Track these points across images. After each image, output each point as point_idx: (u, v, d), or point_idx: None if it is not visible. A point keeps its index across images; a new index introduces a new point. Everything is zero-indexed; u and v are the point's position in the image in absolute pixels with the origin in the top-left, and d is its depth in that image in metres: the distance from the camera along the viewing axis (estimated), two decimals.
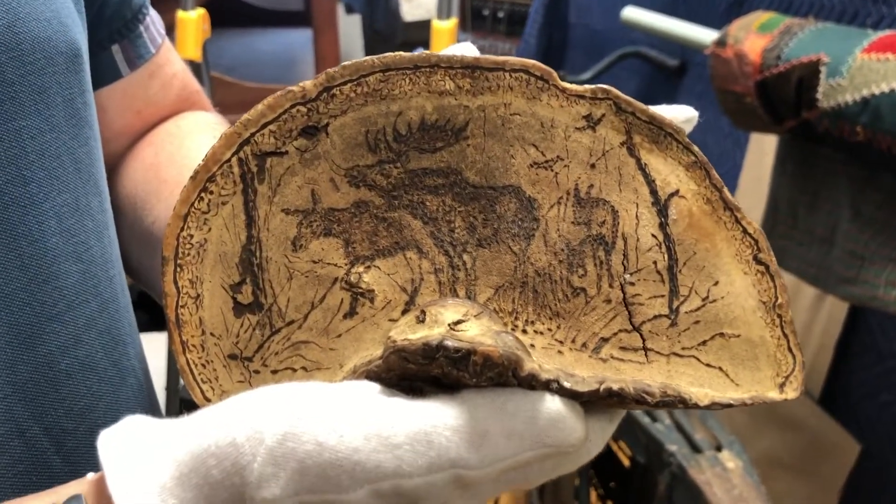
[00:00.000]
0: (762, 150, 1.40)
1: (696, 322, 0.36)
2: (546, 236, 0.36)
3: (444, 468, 0.30)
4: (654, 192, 0.36)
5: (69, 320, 0.43)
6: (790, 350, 0.36)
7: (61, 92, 0.43)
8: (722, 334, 0.36)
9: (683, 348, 0.36)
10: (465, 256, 0.36)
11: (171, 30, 1.67)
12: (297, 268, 0.36)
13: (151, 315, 1.90)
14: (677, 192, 0.36)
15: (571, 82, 0.38)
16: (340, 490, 0.29)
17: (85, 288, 0.45)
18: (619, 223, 0.36)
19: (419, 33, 2.39)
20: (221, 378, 0.36)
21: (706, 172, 0.36)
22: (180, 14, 1.59)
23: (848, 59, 0.94)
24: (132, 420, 0.33)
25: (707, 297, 0.36)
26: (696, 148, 0.37)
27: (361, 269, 0.36)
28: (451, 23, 1.59)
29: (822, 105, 0.97)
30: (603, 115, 0.36)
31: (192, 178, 0.35)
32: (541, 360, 0.34)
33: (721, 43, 1.15)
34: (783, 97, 1.04)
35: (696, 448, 1.10)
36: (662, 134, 0.36)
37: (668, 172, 0.36)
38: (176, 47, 1.59)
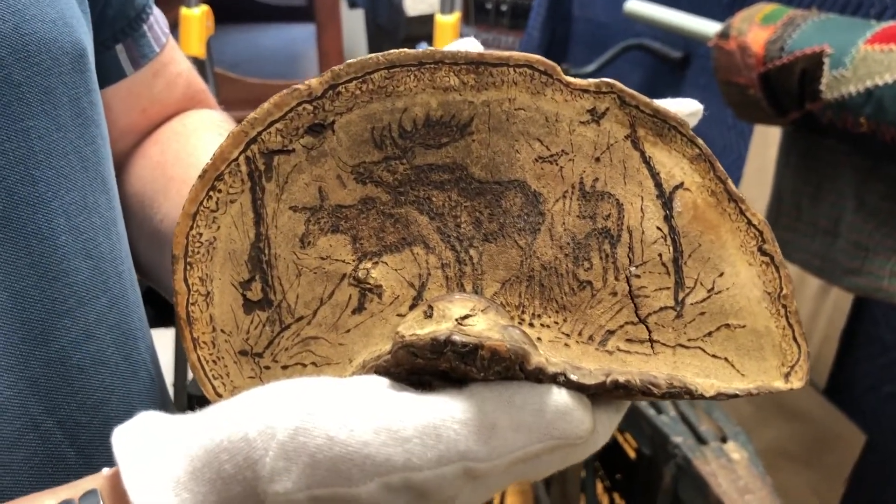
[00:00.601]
0: (766, 141, 1.40)
1: (702, 313, 0.36)
2: (552, 230, 0.37)
3: (453, 461, 0.30)
4: (658, 185, 0.36)
5: (80, 316, 0.44)
6: (795, 340, 0.36)
7: (67, 92, 0.44)
8: (727, 325, 0.36)
9: (689, 339, 0.36)
10: (472, 251, 0.37)
11: (174, 27, 1.67)
12: (306, 264, 0.36)
13: (159, 310, 1.91)
14: (682, 184, 0.36)
15: (575, 75, 0.38)
16: (351, 483, 0.30)
17: (95, 284, 0.45)
18: (624, 216, 0.36)
19: (422, 28, 2.39)
20: (232, 374, 0.37)
21: (710, 165, 0.37)
22: (184, 11, 1.59)
23: (851, 50, 0.94)
24: (145, 416, 0.33)
25: (712, 288, 0.36)
26: (700, 140, 0.37)
27: (369, 264, 0.37)
28: (454, 17, 1.59)
29: (825, 96, 0.97)
30: (607, 109, 0.36)
31: (200, 176, 0.36)
32: (548, 353, 0.34)
33: (724, 35, 1.15)
34: (787, 89, 1.04)
35: (701, 439, 1.10)
36: (666, 127, 0.37)
37: (673, 165, 0.37)
38: (180, 44, 1.59)
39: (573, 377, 0.32)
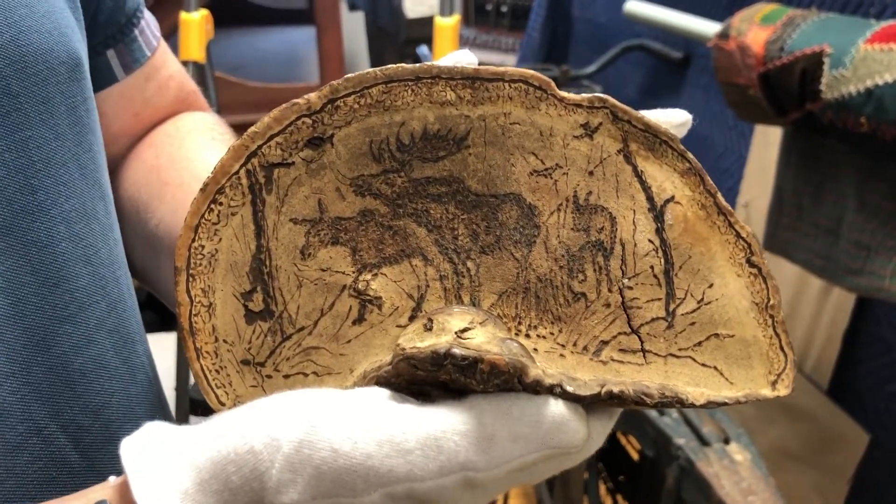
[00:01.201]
0: (767, 141, 1.40)
1: (692, 324, 0.37)
2: (547, 243, 0.37)
3: (454, 471, 0.31)
4: (650, 199, 0.37)
5: (81, 321, 0.45)
6: (782, 349, 0.37)
7: (64, 101, 0.44)
8: (717, 335, 0.37)
9: (680, 349, 0.37)
10: (469, 263, 0.37)
11: (174, 31, 1.68)
12: (307, 276, 0.37)
13: (160, 315, 1.91)
14: (673, 198, 0.37)
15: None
16: (355, 494, 0.31)
17: (94, 290, 0.46)
18: (617, 229, 0.37)
19: (422, 30, 2.39)
20: (235, 383, 0.37)
21: (700, 179, 0.37)
22: (183, 15, 1.59)
23: (851, 49, 0.94)
24: (152, 426, 0.34)
25: (702, 299, 0.37)
26: (690, 155, 0.37)
27: (369, 276, 0.37)
28: (454, 19, 1.59)
29: (825, 96, 0.97)
30: (600, 124, 0.37)
31: (202, 189, 0.36)
32: (544, 364, 0.35)
33: (724, 35, 1.14)
34: (787, 89, 1.04)
35: (704, 441, 1.10)
36: (658, 142, 0.37)
37: (664, 179, 0.37)
38: (180, 49, 1.60)
39: (569, 388, 0.33)
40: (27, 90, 0.41)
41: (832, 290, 1.29)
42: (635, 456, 1.35)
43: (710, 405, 0.35)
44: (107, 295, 0.47)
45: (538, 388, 0.33)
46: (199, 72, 1.60)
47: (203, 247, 0.37)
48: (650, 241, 0.37)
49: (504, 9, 2.73)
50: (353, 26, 2.96)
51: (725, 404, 0.36)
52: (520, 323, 0.37)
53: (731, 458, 1.06)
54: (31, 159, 0.42)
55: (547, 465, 0.33)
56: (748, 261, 0.37)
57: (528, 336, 0.37)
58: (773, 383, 0.37)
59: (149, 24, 0.59)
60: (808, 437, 1.35)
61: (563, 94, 0.37)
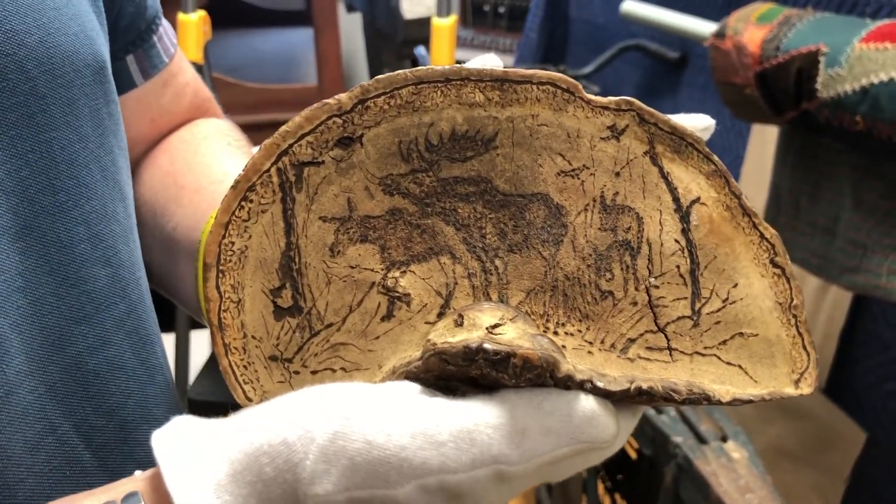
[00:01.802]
0: (764, 141, 1.41)
1: (717, 322, 0.38)
2: (574, 242, 0.38)
3: (486, 464, 0.32)
4: (676, 200, 0.38)
5: (97, 322, 0.45)
6: (804, 348, 0.38)
7: (88, 103, 0.45)
8: (741, 334, 0.38)
9: (705, 347, 0.38)
10: (497, 261, 0.38)
11: None
12: (335, 273, 0.38)
13: (159, 317, 1.90)
14: (698, 199, 0.38)
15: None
16: (389, 486, 0.31)
17: (113, 291, 0.46)
18: (643, 229, 0.38)
19: (420, 31, 2.39)
20: (262, 379, 0.38)
21: (725, 181, 0.38)
22: (181, 17, 1.59)
23: (847, 48, 0.95)
24: (182, 420, 0.34)
25: (727, 298, 0.38)
26: (715, 157, 0.38)
27: (397, 273, 0.38)
28: (451, 20, 1.59)
29: (821, 95, 0.97)
30: (627, 126, 0.38)
31: (233, 187, 0.37)
32: (573, 360, 0.36)
33: (720, 35, 1.15)
34: (783, 88, 1.04)
35: (701, 439, 1.10)
36: (684, 144, 0.38)
37: (690, 180, 0.38)
38: None
39: (599, 384, 0.34)
40: (53, 92, 0.42)
41: (829, 288, 1.30)
42: (633, 455, 1.35)
43: (736, 402, 0.36)
44: (126, 296, 0.47)
45: (569, 384, 0.33)
46: (198, 73, 1.60)
47: (233, 243, 0.37)
48: (676, 241, 0.38)
49: (501, 9, 2.74)
50: (351, 27, 2.96)
51: (751, 402, 0.36)
52: (548, 320, 0.38)
53: (729, 456, 1.07)
54: (54, 160, 0.42)
55: (577, 460, 0.33)
56: (772, 261, 0.38)
57: (556, 333, 0.38)
58: (797, 382, 0.38)
59: (166, 30, 0.59)
60: (805, 435, 1.35)
61: (591, 96, 0.38)
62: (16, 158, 0.40)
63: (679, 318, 0.38)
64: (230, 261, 0.37)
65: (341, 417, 0.31)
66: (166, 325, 1.63)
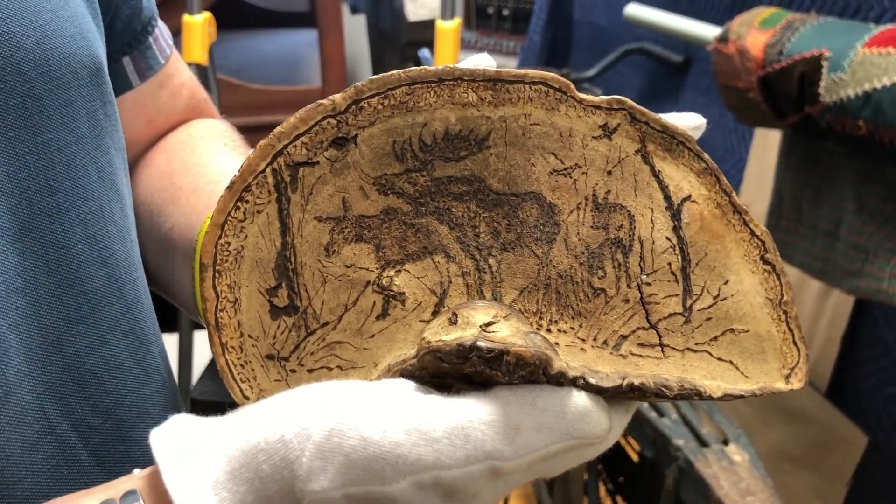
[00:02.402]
0: (767, 145, 1.41)
1: (708, 319, 0.38)
2: (567, 240, 0.38)
3: (480, 460, 0.32)
4: (667, 198, 0.38)
5: (94, 322, 0.45)
6: (795, 343, 0.38)
7: (85, 105, 0.45)
8: (732, 330, 0.38)
9: (697, 343, 0.38)
10: (491, 260, 0.38)
11: (177, 34, 1.68)
12: (331, 272, 0.38)
13: (161, 317, 1.91)
14: (689, 197, 0.38)
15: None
16: (384, 482, 0.31)
17: (110, 291, 0.46)
18: (635, 227, 0.38)
19: (423, 33, 2.39)
20: (259, 377, 0.38)
21: (716, 178, 0.39)
22: (186, 18, 1.60)
23: (849, 53, 0.95)
24: (180, 419, 0.35)
25: (718, 295, 0.38)
26: (706, 155, 0.39)
27: (392, 272, 0.38)
28: (455, 22, 1.59)
29: (824, 100, 0.97)
30: (618, 125, 0.38)
31: (228, 188, 0.37)
32: (565, 357, 0.36)
33: (723, 39, 1.15)
34: (786, 92, 1.04)
35: (703, 442, 1.11)
36: (675, 142, 0.38)
37: (681, 179, 0.38)
38: (182, 51, 1.61)
39: (592, 380, 0.34)
40: (50, 93, 0.42)
41: (831, 292, 1.30)
42: (635, 457, 1.35)
43: (727, 398, 0.36)
44: (123, 296, 0.47)
45: (562, 380, 0.33)
46: (202, 74, 1.61)
47: (229, 243, 0.37)
48: (668, 238, 0.38)
49: (505, 12, 2.74)
50: (355, 29, 2.97)
51: (742, 397, 0.37)
52: (541, 318, 0.38)
53: (730, 458, 1.07)
54: (51, 161, 0.42)
55: (569, 456, 0.34)
56: (762, 258, 0.38)
57: (549, 331, 0.38)
58: (787, 377, 0.38)
59: (162, 32, 0.60)
60: (806, 439, 1.35)
61: (583, 95, 0.38)
62: (13, 160, 0.41)
63: (671, 315, 0.38)
64: (226, 261, 0.37)
65: (337, 415, 0.32)
66: (169, 326, 1.64)
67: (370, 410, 0.32)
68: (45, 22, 0.42)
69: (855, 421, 1.27)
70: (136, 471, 0.36)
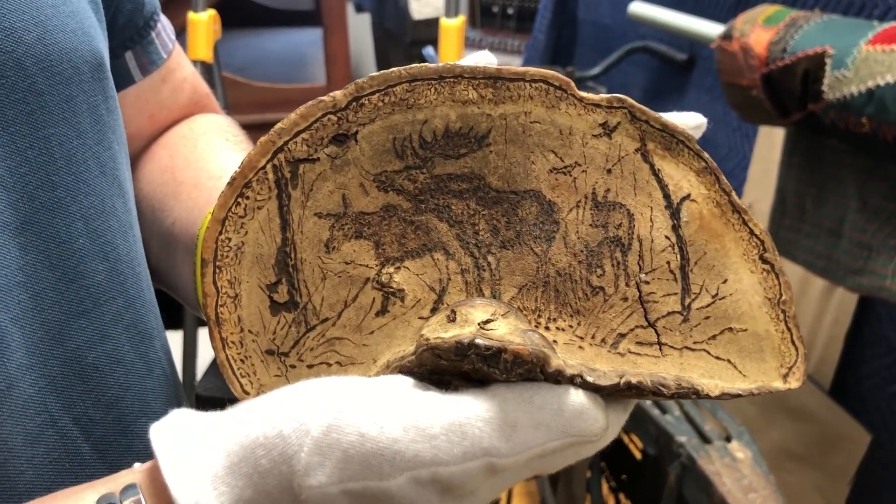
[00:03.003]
0: (771, 143, 1.41)
1: (707, 318, 0.38)
2: (566, 238, 0.38)
3: (477, 456, 0.32)
4: (667, 196, 0.38)
5: (96, 316, 0.45)
6: (793, 343, 0.38)
7: (86, 100, 0.45)
8: (730, 329, 0.38)
9: (695, 342, 0.38)
10: (490, 257, 0.38)
11: (182, 31, 1.69)
12: (331, 268, 0.38)
13: (166, 314, 1.91)
14: (689, 195, 0.38)
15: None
16: (382, 477, 0.32)
17: (111, 285, 0.46)
18: (634, 225, 0.38)
19: (428, 31, 2.40)
20: (259, 372, 0.38)
21: (716, 177, 0.39)
22: (191, 15, 1.60)
23: (853, 50, 0.95)
24: (180, 413, 0.35)
25: (717, 294, 0.38)
26: (706, 154, 0.39)
27: (391, 269, 0.38)
28: (459, 20, 1.59)
29: (827, 97, 0.97)
30: (618, 123, 0.38)
31: (229, 184, 0.37)
32: (563, 355, 0.36)
33: (727, 36, 1.15)
34: (789, 90, 1.04)
35: (705, 439, 1.11)
36: (675, 141, 0.38)
37: (680, 177, 0.38)
38: (187, 49, 1.61)
39: (589, 378, 0.34)
40: (52, 88, 0.42)
41: (834, 290, 1.30)
42: (637, 455, 1.35)
43: (725, 396, 0.36)
44: (125, 290, 0.47)
45: (559, 378, 0.34)
46: (207, 71, 1.61)
47: (230, 239, 0.38)
48: (667, 237, 0.38)
49: (510, 11, 2.74)
50: (360, 28, 2.97)
51: (739, 396, 0.37)
52: (539, 316, 0.38)
53: (733, 455, 1.07)
54: (52, 156, 0.43)
55: (567, 453, 0.34)
56: (761, 257, 0.38)
57: (547, 328, 0.38)
58: (785, 376, 0.38)
59: (164, 27, 0.60)
60: (809, 437, 1.35)
61: (583, 94, 0.38)
62: (15, 155, 0.41)
63: (669, 314, 0.38)
64: (227, 256, 0.38)
65: (336, 410, 0.32)
66: (174, 323, 1.65)
67: (368, 406, 0.32)
68: (47, 17, 0.42)
69: (858, 419, 1.27)
70: (137, 465, 0.36)
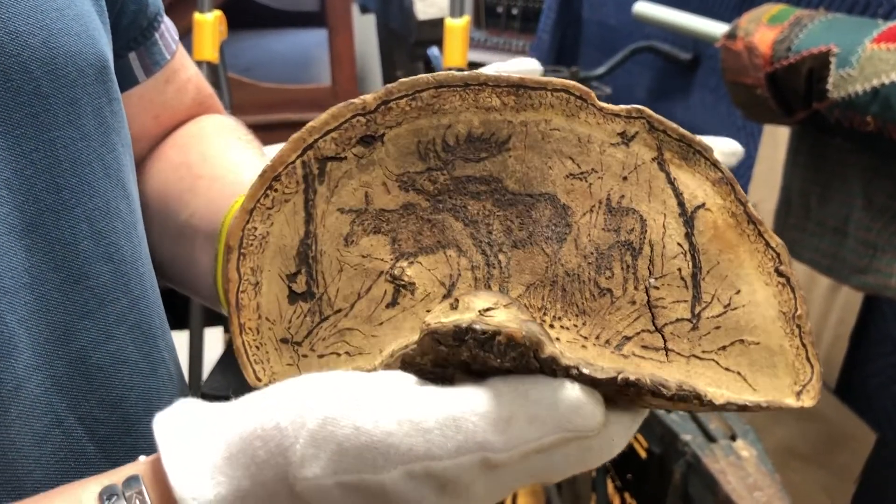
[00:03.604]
0: (775, 142, 1.41)
1: (717, 327, 0.38)
2: (577, 240, 0.39)
3: (471, 451, 0.32)
4: (681, 205, 0.39)
5: (100, 317, 0.46)
6: (808, 360, 0.37)
7: (91, 102, 0.46)
8: (742, 341, 0.37)
9: (704, 351, 0.38)
10: (501, 256, 0.39)
11: (188, 32, 1.70)
12: (348, 261, 0.39)
13: (172, 314, 1.92)
14: (703, 205, 0.39)
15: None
16: (376, 470, 0.32)
17: (116, 286, 0.47)
18: (646, 231, 0.39)
19: (433, 31, 2.40)
20: (272, 360, 0.39)
21: (732, 188, 0.39)
22: (197, 16, 1.61)
23: (858, 49, 0.95)
24: (184, 404, 0.36)
25: (729, 304, 0.38)
26: (722, 165, 0.39)
27: (405, 263, 0.39)
28: (464, 20, 1.60)
29: (832, 95, 0.97)
30: (636, 133, 0.39)
31: (259, 176, 0.39)
32: (564, 351, 0.36)
33: (731, 35, 1.15)
34: (794, 88, 1.05)
35: (710, 437, 1.11)
36: (691, 151, 0.39)
37: (696, 187, 0.39)
38: (193, 49, 1.62)
39: (585, 371, 0.33)
40: (57, 91, 0.43)
41: (840, 289, 1.30)
42: (643, 454, 1.36)
43: (730, 406, 0.36)
44: (129, 291, 0.48)
45: (554, 367, 0.33)
46: (213, 72, 1.62)
47: (256, 229, 0.39)
48: (679, 244, 0.38)
49: (514, 11, 2.74)
50: (365, 28, 2.97)
51: (746, 408, 0.36)
52: (545, 314, 0.39)
53: (738, 454, 1.07)
54: (57, 159, 0.43)
55: (566, 453, 0.33)
56: (777, 270, 0.38)
57: (552, 326, 0.38)
58: (798, 393, 0.37)
59: (168, 28, 0.60)
60: (814, 436, 1.35)
61: (602, 104, 0.39)
62: (21, 157, 0.41)
63: (678, 320, 0.38)
64: (252, 245, 0.39)
65: (332, 404, 0.32)
66: (180, 323, 1.65)
67: (365, 400, 0.33)
68: (51, 21, 0.43)
69: (863, 418, 1.27)
70: (142, 458, 0.37)
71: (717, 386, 0.37)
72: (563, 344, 0.38)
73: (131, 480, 0.35)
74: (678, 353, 0.37)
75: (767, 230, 0.38)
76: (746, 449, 1.07)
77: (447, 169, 0.39)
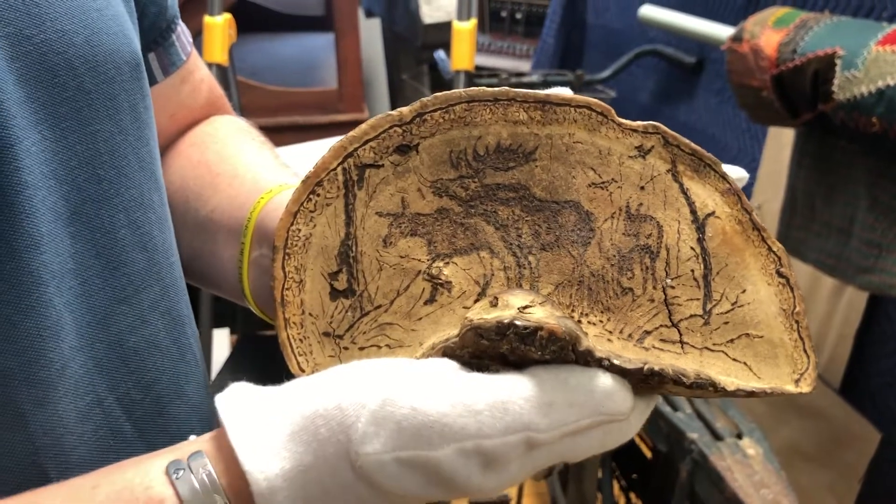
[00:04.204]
0: (780, 144, 1.42)
1: (726, 323, 0.42)
2: (600, 244, 0.43)
3: (517, 431, 0.36)
4: (693, 212, 0.43)
5: (136, 303, 0.48)
6: (805, 351, 0.42)
7: (127, 98, 0.48)
8: (747, 334, 0.42)
9: (714, 344, 0.42)
10: (531, 258, 0.43)
11: (198, 34, 1.71)
12: (387, 261, 0.43)
13: None
14: (713, 213, 0.43)
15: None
16: (431, 447, 0.35)
17: (149, 274, 0.49)
18: (663, 236, 0.43)
19: (439, 35, 2.41)
20: (315, 352, 0.42)
21: (738, 198, 0.43)
22: (207, 19, 1.62)
23: (863, 51, 0.96)
24: (241, 386, 0.38)
25: (736, 302, 0.42)
26: (730, 177, 0.43)
27: (441, 264, 0.43)
28: (471, 24, 1.61)
29: (837, 97, 0.99)
30: (652, 147, 0.43)
31: (303, 181, 0.42)
32: (593, 344, 0.40)
33: (737, 38, 1.17)
34: (799, 90, 1.06)
35: (717, 436, 1.12)
36: (702, 164, 0.43)
37: (706, 196, 0.43)
38: (203, 51, 1.63)
39: (616, 362, 0.38)
40: (97, 87, 0.45)
41: (844, 289, 1.31)
42: (648, 454, 1.36)
43: (739, 392, 0.40)
44: (161, 279, 0.50)
45: (589, 359, 0.37)
46: (222, 74, 1.63)
47: (300, 230, 0.42)
48: (692, 248, 0.42)
49: (518, 15, 2.76)
50: (370, 32, 2.99)
51: (753, 394, 0.40)
52: (573, 311, 0.42)
53: (744, 452, 1.08)
54: (98, 151, 0.45)
55: (595, 434, 0.37)
56: (777, 272, 0.43)
57: (579, 322, 0.42)
58: (797, 381, 0.41)
59: (183, 30, 0.63)
60: (819, 435, 1.36)
61: (622, 120, 0.43)
62: (66, 150, 0.43)
63: (691, 316, 0.42)
64: (296, 245, 0.42)
65: (390, 386, 0.35)
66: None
67: (420, 384, 0.36)
68: (93, 20, 0.45)
69: (868, 417, 1.28)
70: (192, 437, 0.40)
71: (726, 374, 0.41)
72: (591, 338, 0.41)
73: (196, 455, 0.37)
74: (692, 346, 0.42)
75: (770, 236, 0.43)
76: (753, 447, 1.08)
77: (478, 177, 0.42)
